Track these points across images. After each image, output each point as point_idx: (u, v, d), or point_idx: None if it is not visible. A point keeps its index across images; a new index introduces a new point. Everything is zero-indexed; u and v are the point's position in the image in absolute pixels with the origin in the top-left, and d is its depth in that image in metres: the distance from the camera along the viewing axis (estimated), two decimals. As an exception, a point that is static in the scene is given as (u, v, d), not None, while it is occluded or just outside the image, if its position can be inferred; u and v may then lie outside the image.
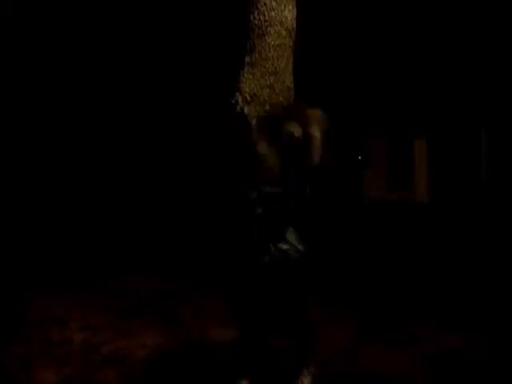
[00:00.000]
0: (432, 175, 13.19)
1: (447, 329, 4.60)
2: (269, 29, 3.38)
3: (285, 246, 3.07)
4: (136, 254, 8.61)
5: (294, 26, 3.52)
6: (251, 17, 3.43)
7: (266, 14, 3.39)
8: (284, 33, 3.42)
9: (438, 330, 4.58)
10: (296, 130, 3.07)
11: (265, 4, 3.39)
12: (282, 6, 3.42)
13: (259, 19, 3.39)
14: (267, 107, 3.27)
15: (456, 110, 12.35)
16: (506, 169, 11.67)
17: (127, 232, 10.52)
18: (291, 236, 3.11)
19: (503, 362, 3.83)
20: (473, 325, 4.70)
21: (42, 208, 11.63)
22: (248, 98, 3.29)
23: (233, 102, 3.32)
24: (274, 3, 3.40)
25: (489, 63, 11.35)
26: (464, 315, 5.00)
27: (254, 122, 3.20)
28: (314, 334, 3.32)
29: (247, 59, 3.40)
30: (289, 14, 3.46)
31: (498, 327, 4.62)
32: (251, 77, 3.35)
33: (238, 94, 3.33)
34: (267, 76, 3.33)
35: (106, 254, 8.52)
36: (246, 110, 3.26)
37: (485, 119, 12.20)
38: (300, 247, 3.11)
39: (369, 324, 4.83)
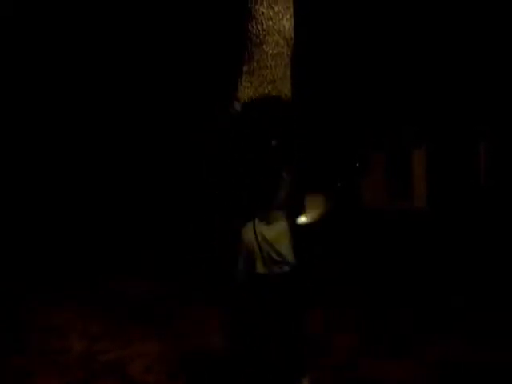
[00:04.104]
0: (431, 184, 13.21)
1: (450, 335, 4.59)
2: (266, 38, 3.40)
3: (278, 259, 3.04)
4: (136, 259, 8.61)
5: (292, 35, 3.54)
6: (249, 26, 3.46)
7: (264, 23, 3.41)
8: (282, 42, 3.44)
9: (441, 336, 4.57)
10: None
11: (262, 13, 3.42)
12: (280, 15, 3.45)
13: (257, 28, 3.42)
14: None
15: (455, 119, 12.40)
16: (505, 176, 11.70)
17: (127, 237, 10.52)
18: (285, 247, 3.08)
19: (508, 368, 3.82)
20: (476, 330, 4.68)
21: (42, 213, 11.64)
22: (246, 106, 3.31)
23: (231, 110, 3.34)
24: (271, 12, 3.42)
25: (487, 72, 11.41)
26: (467, 321, 4.99)
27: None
28: (310, 341, 3.30)
29: (245, 68, 3.43)
30: (286, 23, 3.49)
31: (502, 333, 4.60)
32: (249, 85, 3.37)
33: (235, 102, 3.35)
34: (265, 84, 3.36)
35: (106, 259, 8.54)
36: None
37: (483, 127, 12.24)
38: (291, 259, 3.07)
39: (372, 331, 4.82)
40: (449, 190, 12.68)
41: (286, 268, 3.04)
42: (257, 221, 3.06)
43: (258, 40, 3.40)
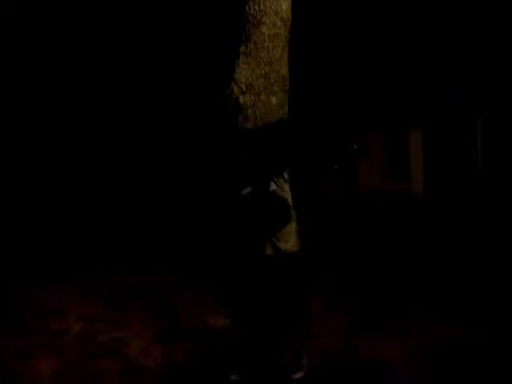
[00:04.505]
0: (428, 166, 13.22)
1: (445, 319, 4.63)
2: (264, 18, 3.37)
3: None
4: (135, 250, 8.56)
5: (290, 15, 3.51)
6: (246, 7, 3.43)
7: (261, 4, 3.38)
8: (279, 23, 3.41)
9: (435, 320, 4.61)
10: None
11: (260, -6, 3.38)
12: (277, -5, 3.42)
13: (254, 9, 3.39)
14: (262, 97, 3.28)
15: (452, 101, 12.36)
16: (502, 160, 11.72)
17: (125, 228, 10.48)
18: (291, 228, 3.11)
19: (500, 352, 3.86)
20: (470, 315, 4.73)
21: (38, 203, 11.62)
22: (243, 87, 3.29)
23: (228, 91, 3.32)
24: (268, -7, 3.39)
25: (484, 53, 11.35)
26: (461, 306, 5.03)
27: (249, 111, 3.22)
28: (309, 323, 3.32)
29: (242, 49, 3.40)
30: (284, 3, 3.46)
31: (495, 317, 4.65)
32: (246, 66, 3.35)
33: (233, 83, 3.33)
34: (262, 66, 3.34)
35: (104, 250, 8.48)
36: (241, 99, 3.26)
37: (481, 110, 12.22)
38: (296, 240, 3.11)
39: (368, 315, 4.85)
40: (445, 172, 12.71)
41: (294, 248, 3.08)
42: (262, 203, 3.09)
43: (256, 21, 3.37)
